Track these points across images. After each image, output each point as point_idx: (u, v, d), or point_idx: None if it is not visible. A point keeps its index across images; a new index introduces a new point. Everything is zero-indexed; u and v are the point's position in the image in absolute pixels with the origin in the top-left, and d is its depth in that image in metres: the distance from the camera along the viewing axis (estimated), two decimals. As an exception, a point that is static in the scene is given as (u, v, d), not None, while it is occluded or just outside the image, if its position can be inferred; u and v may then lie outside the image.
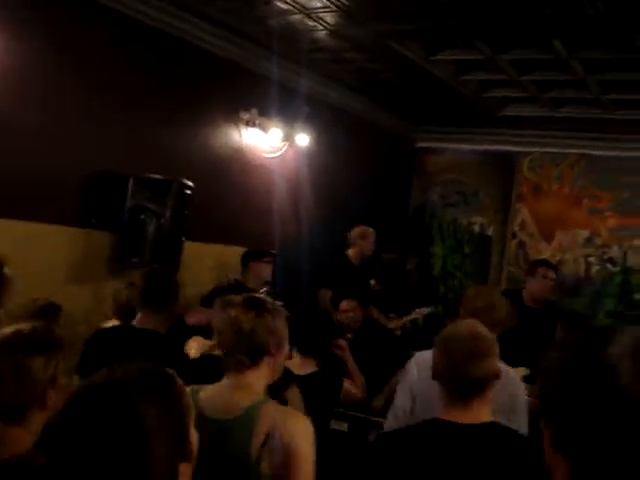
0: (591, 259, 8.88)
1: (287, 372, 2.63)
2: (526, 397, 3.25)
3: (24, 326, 2.13)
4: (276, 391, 2.53)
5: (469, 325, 2.62)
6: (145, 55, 5.94)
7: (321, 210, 7.79)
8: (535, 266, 6.14)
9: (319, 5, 5.48)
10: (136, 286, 3.75)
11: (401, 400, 3.39)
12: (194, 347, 4.27)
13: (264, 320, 2.44)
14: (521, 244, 9.27)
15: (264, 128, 7.01)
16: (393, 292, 7.28)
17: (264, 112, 6.95)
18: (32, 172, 5.16)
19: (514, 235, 9.32)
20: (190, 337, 4.28)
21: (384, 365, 5.21)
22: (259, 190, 7.13)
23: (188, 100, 6.35)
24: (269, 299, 2.58)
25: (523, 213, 9.29)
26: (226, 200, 6.76)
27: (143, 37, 5.87)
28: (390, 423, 3.33)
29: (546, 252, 9.03)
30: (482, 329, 2.56)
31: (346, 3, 5.38)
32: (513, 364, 3.37)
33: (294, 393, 3.51)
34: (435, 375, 2.50)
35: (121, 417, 1.33)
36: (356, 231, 7.03)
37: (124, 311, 4.02)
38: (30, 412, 2.01)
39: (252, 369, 2.42)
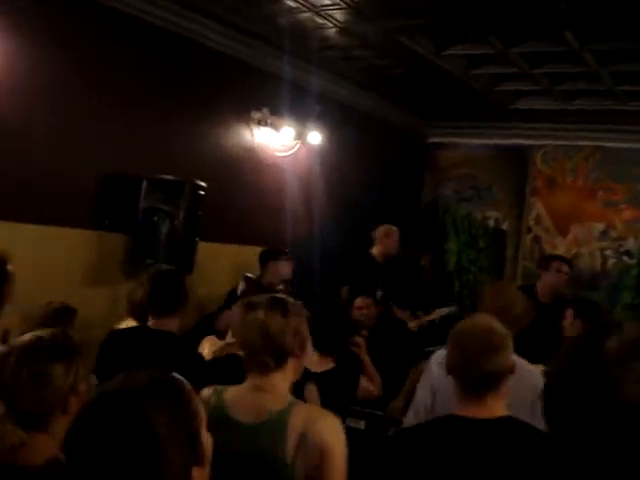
0: (607, 252, 8.83)
1: (304, 369, 2.61)
2: None
3: (43, 333, 2.13)
4: (293, 388, 2.52)
5: (483, 320, 2.61)
6: (156, 57, 5.95)
7: (333, 208, 7.79)
8: (549, 260, 6.16)
9: (328, 2, 5.47)
10: (144, 287, 3.72)
11: (421, 396, 3.40)
12: (207, 347, 4.28)
13: (290, 321, 2.42)
14: (536, 238, 9.22)
15: (276, 127, 7.01)
16: (408, 289, 7.25)
17: (275, 111, 6.95)
18: (45, 175, 5.18)
19: (529, 229, 9.27)
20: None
21: (399, 362, 5.20)
22: (272, 189, 7.13)
23: (200, 101, 6.35)
24: (291, 299, 2.55)
25: (538, 207, 9.24)
26: (239, 200, 6.76)
27: (154, 39, 5.88)
28: (410, 419, 3.33)
29: (561, 246, 8.98)
30: (496, 324, 2.54)
31: (355, 0, 5.36)
32: (528, 361, 3.35)
33: (311, 390, 3.50)
34: (449, 370, 2.49)
35: (132, 426, 1.34)
36: (380, 230, 7.07)
37: (139, 311, 4.02)
38: (53, 418, 2.01)
39: (277, 371, 2.40)
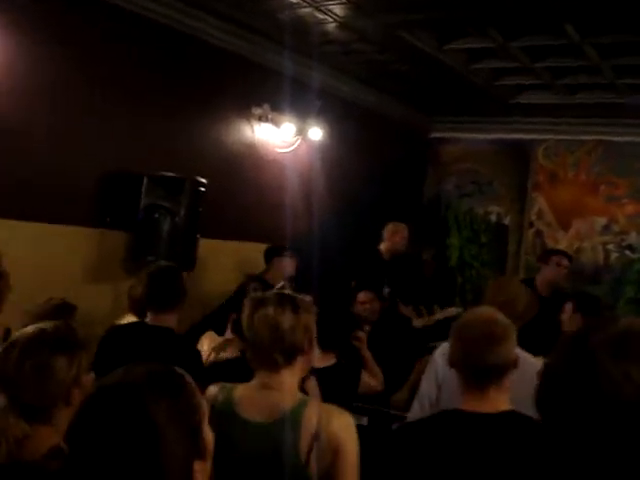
0: (610, 247, 8.81)
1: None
2: None
3: (46, 325, 2.12)
4: None
5: (485, 311, 2.61)
6: (157, 54, 5.94)
7: (335, 204, 7.78)
8: (549, 254, 6.23)
9: (328, -3, 5.46)
10: (142, 284, 3.74)
11: (426, 388, 3.39)
12: (206, 343, 4.28)
13: (300, 318, 2.40)
14: (538, 233, 9.21)
15: (276, 123, 7.00)
16: (411, 284, 7.26)
17: (276, 107, 6.94)
18: (46, 173, 5.18)
19: (531, 224, 9.26)
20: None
21: (401, 357, 5.20)
22: (272, 185, 7.12)
23: (199, 97, 6.34)
24: (299, 296, 2.53)
25: (540, 202, 9.23)
26: (239, 196, 6.76)
27: (155, 35, 5.88)
28: (415, 412, 3.33)
29: (564, 240, 8.97)
30: (498, 315, 2.53)
31: (355, -6, 5.35)
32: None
33: (312, 386, 3.49)
34: (452, 363, 2.48)
35: (131, 416, 1.34)
36: (389, 227, 7.11)
37: (139, 307, 4.03)
38: (56, 410, 2.01)
39: (286, 368, 2.38)
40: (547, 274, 6.01)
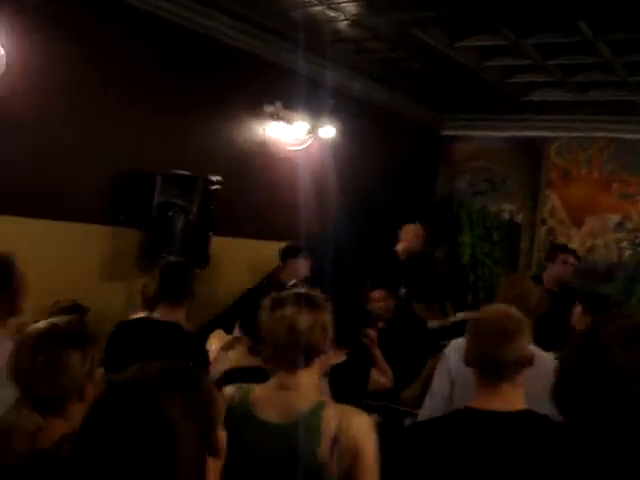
0: (623, 244, 8.78)
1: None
2: None
3: (59, 320, 2.14)
4: None
5: (499, 308, 2.61)
6: (170, 53, 5.96)
7: (347, 202, 7.78)
8: (555, 252, 6.27)
9: (340, -5, 5.47)
10: (155, 281, 3.80)
11: (439, 385, 3.38)
12: (214, 342, 4.30)
13: (318, 318, 2.37)
14: (551, 230, 9.18)
15: (289, 121, 7.01)
16: (424, 282, 7.26)
17: (288, 105, 6.94)
18: (61, 172, 5.21)
19: (544, 222, 9.23)
20: None
21: (414, 355, 5.20)
22: (284, 183, 7.13)
23: (212, 96, 6.36)
24: (317, 295, 2.51)
25: (552, 199, 9.20)
26: (252, 194, 6.77)
27: (168, 35, 5.90)
28: (427, 409, 3.31)
29: (576, 238, 8.94)
30: (512, 311, 2.53)
31: (367, -8, 5.36)
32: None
33: (321, 383, 3.49)
34: (468, 361, 2.47)
35: (146, 414, 1.35)
36: (405, 228, 7.10)
37: (151, 304, 4.06)
38: (69, 404, 2.03)
39: (304, 368, 2.36)
40: (554, 271, 6.08)
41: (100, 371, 2.14)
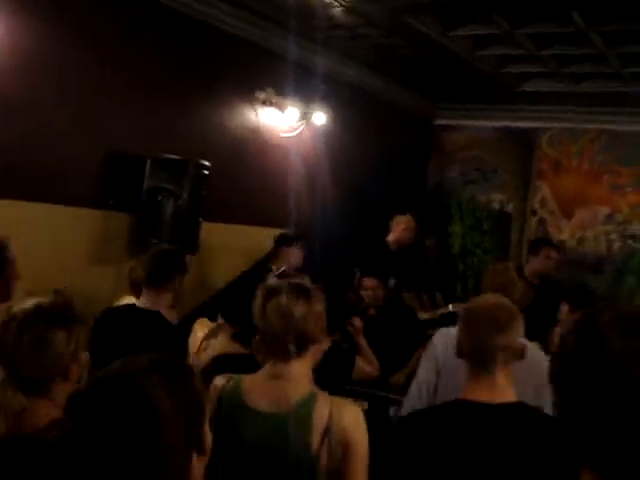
0: (612, 236, 8.80)
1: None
2: None
3: (44, 300, 2.13)
4: None
5: (491, 297, 2.60)
6: (161, 36, 5.93)
7: (338, 189, 7.77)
8: (539, 246, 6.29)
9: (334, -19, 5.44)
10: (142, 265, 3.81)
11: (424, 375, 3.37)
12: (200, 329, 4.29)
13: (312, 307, 2.37)
14: (541, 221, 9.20)
15: (281, 107, 6.98)
16: (414, 271, 7.26)
17: (280, 91, 6.92)
18: (50, 155, 5.18)
19: (534, 212, 9.25)
20: None
21: (404, 343, 5.21)
22: (276, 170, 7.11)
23: (204, 80, 6.33)
24: (310, 284, 2.50)
25: (543, 190, 9.21)
26: (243, 180, 6.75)
27: (159, 18, 5.85)
28: (413, 398, 3.30)
29: (566, 229, 8.96)
30: (504, 300, 2.53)
31: (361, -21, 5.33)
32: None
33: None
34: (460, 352, 2.46)
35: (134, 407, 1.34)
36: (396, 219, 7.08)
37: (138, 288, 4.07)
38: (53, 384, 2.03)
39: (298, 358, 2.35)
40: (536, 265, 6.09)
41: (85, 353, 2.14)
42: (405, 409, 3.30)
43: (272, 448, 2.27)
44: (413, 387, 3.39)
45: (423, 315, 6.63)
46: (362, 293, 5.73)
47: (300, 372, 2.37)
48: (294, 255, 6.11)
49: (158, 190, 5.61)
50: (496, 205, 9.46)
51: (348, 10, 6.08)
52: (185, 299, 4.25)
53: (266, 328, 2.37)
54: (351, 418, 2.28)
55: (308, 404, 2.29)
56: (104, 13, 5.45)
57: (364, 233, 7.23)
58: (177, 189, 5.61)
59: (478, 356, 2.39)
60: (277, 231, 6.57)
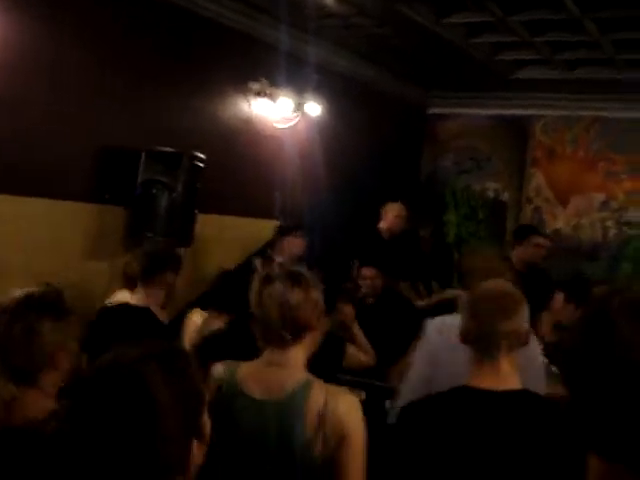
0: (608, 223, 8.81)
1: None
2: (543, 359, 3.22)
3: (34, 290, 2.13)
4: None
5: (495, 283, 2.59)
6: (153, 28, 5.90)
7: (333, 179, 7.75)
8: (527, 234, 6.09)
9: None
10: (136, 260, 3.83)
11: (419, 367, 3.36)
12: (194, 319, 4.29)
13: (308, 295, 2.36)
14: (537, 209, 9.20)
15: (274, 98, 6.96)
16: (408, 260, 7.26)
17: (274, 82, 6.89)
18: (44, 149, 5.17)
19: (529, 200, 9.24)
20: None
21: (401, 333, 5.21)
22: (270, 161, 7.10)
23: (197, 72, 6.31)
24: (307, 272, 2.49)
25: (538, 178, 9.21)
26: (238, 172, 6.74)
27: (151, 9, 5.83)
28: (408, 391, 3.29)
29: (562, 217, 8.97)
30: (509, 286, 2.52)
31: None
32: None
33: None
34: (464, 337, 2.45)
35: (133, 395, 1.34)
36: (387, 207, 7.08)
37: (133, 283, 4.07)
38: (42, 374, 2.03)
39: (294, 345, 2.35)
40: (524, 254, 5.89)
41: (75, 343, 2.13)
42: (401, 401, 3.28)
43: (266, 435, 2.27)
44: (408, 379, 3.37)
45: (420, 303, 6.63)
46: (360, 282, 5.74)
47: (296, 360, 2.36)
48: (297, 245, 6.10)
49: (153, 183, 5.59)
50: (491, 194, 9.46)
51: (340, -1, 6.05)
52: (179, 291, 4.23)
53: (262, 316, 2.37)
54: (346, 407, 2.27)
55: (303, 391, 2.29)
56: (97, 8, 5.42)
57: (358, 223, 7.23)
58: (171, 182, 5.59)
59: (482, 342, 2.38)
60: (271, 222, 6.57)
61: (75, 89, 5.34)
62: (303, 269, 2.50)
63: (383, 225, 7.06)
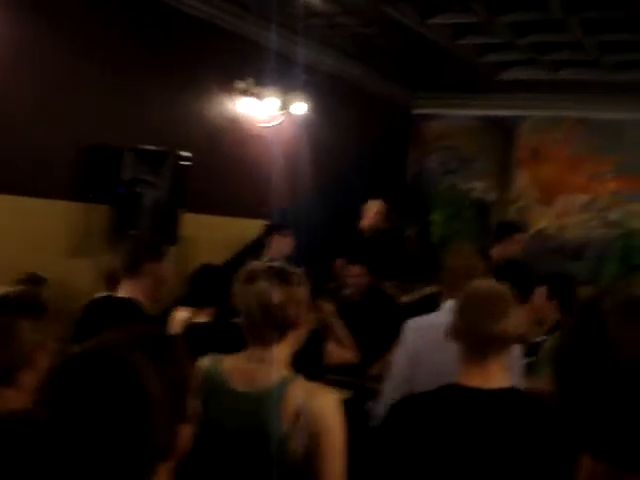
0: (592, 223, 8.85)
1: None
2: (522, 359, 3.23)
3: (10, 290, 2.14)
4: None
5: (488, 284, 2.59)
6: (139, 25, 5.88)
7: (319, 179, 7.76)
8: (509, 232, 6.08)
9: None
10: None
11: (399, 370, 3.35)
12: (179, 316, 4.28)
13: (293, 292, 2.35)
14: (522, 209, 9.24)
15: (260, 97, 6.95)
16: (392, 260, 7.26)
17: (260, 81, 6.89)
18: (28, 147, 5.14)
19: (514, 200, 9.28)
20: None
21: (386, 332, 5.21)
22: (256, 160, 7.09)
23: (182, 70, 6.29)
24: (292, 268, 2.48)
25: (523, 178, 9.25)
26: (223, 171, 6.73)
27: (138, 7, 5.81)
28: (389, 393, 3.28)
29: (547, 217, 9.00)
30: (501, 287, 2.53)
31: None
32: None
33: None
34: (455, 335, 2.44)
35: (119, 380, 1.33)
36: (367, 204, 7.07)
37: (114, 282, 4.04)
38: (20, 374, 2.02)
39: (277, 342, 2.34)
40: (503, 251, 5.83)
41: (54, 342, 2.12)
42: (384, 401, 3.27)
43: (244, 428, 2.27)
44: (390, 379, 3.37)
45: (404, 298, 6.63)
46: (347, 280, 5.75)
47: (279, 356, 2.36)
48: (285, 244, 6.10)
49: (137, 181, 5.58)
50: (476, 194, 9.48)
51: (326, -2, 6.06)
52: (164, 290, 4.22)
53: (246, 313, 2.37)
54: (324, 404, 2.26)
55: (282, 386, 2.28)
56: (82, 5, 5.40)
57: (344, 223, 7.23)
58: (156, 180, 5.59)
59: (472, 343, 2.38)
60: (257, 222, 6.56)
61: (59, 87, 5.31)
62: (288, 266, 2.49)
63: (364, 222, 7.05)
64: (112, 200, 5.65)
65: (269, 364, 2.33)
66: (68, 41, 5.33)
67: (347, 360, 4.32)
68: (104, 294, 4.10)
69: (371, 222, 7.03)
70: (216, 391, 2.34)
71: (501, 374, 2.36)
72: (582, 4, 5.79)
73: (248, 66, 6.85)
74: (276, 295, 2.33)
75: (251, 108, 6.97)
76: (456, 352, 2.43)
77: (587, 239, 8.85)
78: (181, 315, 4.20)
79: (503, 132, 9.27)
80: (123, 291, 3.67)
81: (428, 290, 6.56)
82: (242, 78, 6.82)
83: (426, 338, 3.24)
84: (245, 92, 6.85)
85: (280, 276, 2.37)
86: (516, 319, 2.44)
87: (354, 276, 5.81)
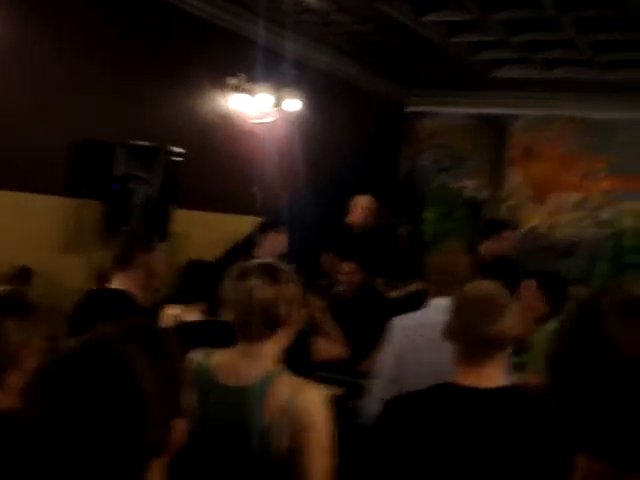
0: (584, 222, 8.87)
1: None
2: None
3: None
4: None
5: (484, 285, 2.59)
6: (132, 22, 5.87)
7: (311, 175, 7.74)
8: (497, 229, 6.09)
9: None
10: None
11: (385, 370, 3.34)
12: (169, 312, 4.27)
13: (282, 290, 2.35)
14: (514, 207, 9.25)
15: (252, 93, 6.94)
16: (383, 257, 7.26)
17: (252, 77, 6.88)
18: (21, 142, 5.13)
19: (507, 198, 9.29)
20: None
21: (377, 329, 5.21)
22: (248, 156, 7.08)
23: (174, 66, 6.28)
24: (284, 266, 2.48)
25: (516, 176, 9.26)
26: (215, 167, 6.72)
27: (130, 4, 5.80)
28: (377, 392, 3.27)
29: (539, 215, 9.02)
30: (497, 289, 2.52)
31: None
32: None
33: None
34: (450, 335, 2.43)
35: (113, 375, 1.32)
36: (355, 200, 7.03)
37: (104, 278, 4.03)
38: (6, 374, 2.01)
39: (267, 339, 2.34)
40: (492, 248, 5.85)
41: (40, 342, 2.11)
42: (373, 399, 3.27)
43: (228, 421, 2.28)
44: (376, 383, 3.36)
45: (392, 294, 6.63)
46: (339, 278, 5.73)
47: (267, 353, 2.36)
48: (279, 241, 6.05)
49: (130, 177, 5.58)
50: (469, 192, 9.49)
51: (320, -5, 6.05)
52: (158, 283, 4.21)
53: (236, 310, 2.37)
54: (310, 400, 2.26)
55: (265, 381, 2.28)
56: (77, 1, 5.38)
57: (337, 220, 7.23)
58: (148, 176, 5.58)
59: (469, 344, 2.38)
60: (249, 218, 6.54)
61: (52, 82, 5.30)
62: (280, 264, 2.49)
63: (351, 218, 7.01)
64: (105, 196, 5.64)
65: (258, 360, 2.33)
66: (60, 39, 5.32)
67: (336, 355, 4.29)
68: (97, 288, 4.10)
69: (359, 218, 6.98)
70: (204, 385, 2.34)
71: (497, 374, 2.35)
72: (576, 2, 5.80)
73: (241, 62, 6.83)
74: (267, 292, 2.33)
75: (243, 104, 6.95)
76: (444, 351, 2.43)
77: (578, 238, 8.87)
78: (171, 312, 4.19)
79: (496, 130, 9.28)
80: (116, 283, 3.65)
81: (414, 287, 6.56)
82: (234, 74, 6.81)
83: (412, 338, 3.24)
84: (237, 88, 6.84)
85: (272, 274, 2.37)
86: (512, 320, 2.44)
87: (346, 273, 5.80)
